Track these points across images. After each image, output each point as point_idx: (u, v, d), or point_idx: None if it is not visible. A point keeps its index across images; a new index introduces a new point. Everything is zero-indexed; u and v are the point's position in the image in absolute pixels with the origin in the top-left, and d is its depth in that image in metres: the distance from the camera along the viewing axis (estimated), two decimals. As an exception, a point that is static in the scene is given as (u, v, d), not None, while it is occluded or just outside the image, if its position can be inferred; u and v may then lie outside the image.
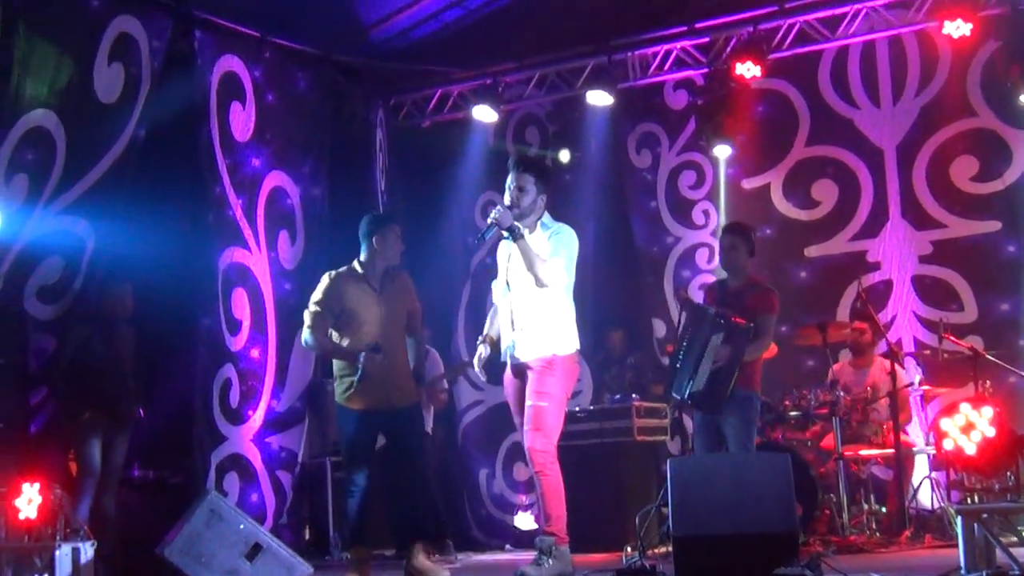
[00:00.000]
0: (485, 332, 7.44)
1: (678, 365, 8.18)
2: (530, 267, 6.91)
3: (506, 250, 7.26)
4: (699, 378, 7.93)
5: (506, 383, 7.25)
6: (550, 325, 7.00)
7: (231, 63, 10.85)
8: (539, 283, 6.93)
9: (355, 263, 8.02)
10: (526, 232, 7.02)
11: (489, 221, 6.96)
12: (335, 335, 7.89)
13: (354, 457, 7.89)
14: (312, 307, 7.88)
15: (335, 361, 8.02)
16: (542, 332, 7.00)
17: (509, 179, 7.13)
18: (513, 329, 7.11)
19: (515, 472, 12.52)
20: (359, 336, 7.81)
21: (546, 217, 7.17)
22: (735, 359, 7.88)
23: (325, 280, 7.97)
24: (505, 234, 6.94)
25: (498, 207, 6.97)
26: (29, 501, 7.93)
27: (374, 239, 7.96)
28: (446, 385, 10.83)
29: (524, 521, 11.84)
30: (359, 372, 7.66)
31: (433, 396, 10.32)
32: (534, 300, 7.02)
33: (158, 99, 9.93)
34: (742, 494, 6.04)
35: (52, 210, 9.23)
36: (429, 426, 10.31)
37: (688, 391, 8.03)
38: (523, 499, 12.03)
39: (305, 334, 7.90)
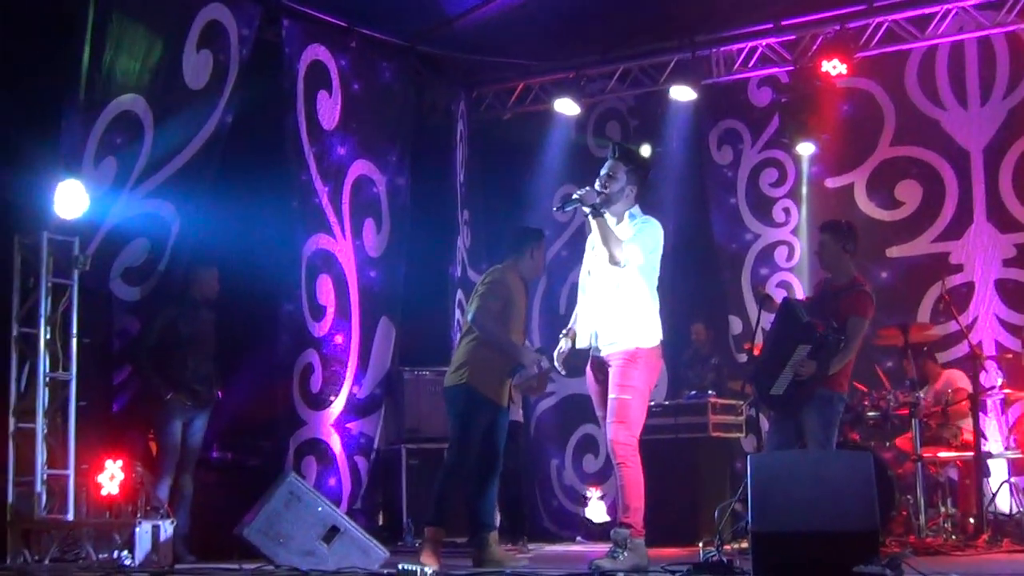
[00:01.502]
0: (569, 326, 7.42)
1: (762, 363, 8.11)
2: (604, 242, 6.89)
3: (592, 241, 7.26)
4: (780, 383, 7.84)
5: (588, 375, 7.24)
6: (633, 317, 6.98)
7: (318, 52, 10.98)
8: (612, 260, 6.89)
9: (511, 266, 8.15)
10: (613, 220, 7.02)
11: (574, 196, 6.96)
12: None
13: (466, 440, 7.92)
14: (494, 294, 7.95)
15: (481, 349, 7.97)
16: (625, 324, 6.98)
17: (605, 166, 7.17)
18: (596, 320, 7.11)
19: (585, 464, 12.56)
20: (509, 332, 7.94)
21: (635, 209, 7.15)
22: (820, 372, 7.78)
23: (503, 274, 8.08)
24: (586, 210, 6.92)
25: (587, 187, 6.99)
26: (111, 478, 8.09)
27: (532, 252, 8.17)
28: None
29: (596, 513, 11.84)
30: (519, 369, 7.84)
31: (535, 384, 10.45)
32: (618, 291, 7.00)
33: (245, 86, 10.07)
34: (823, 492, 5.97)
35: (139, 193, 9.37)
36: (519, 415, 10.40)
37: (768, 393, 7.97)
38: (594, 490, 12.04)
39: (478, 314, 7.91)
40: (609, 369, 7.00)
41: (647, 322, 7.02)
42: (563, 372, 7.57)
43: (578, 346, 7.24)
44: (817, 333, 7.74)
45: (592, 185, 7.04)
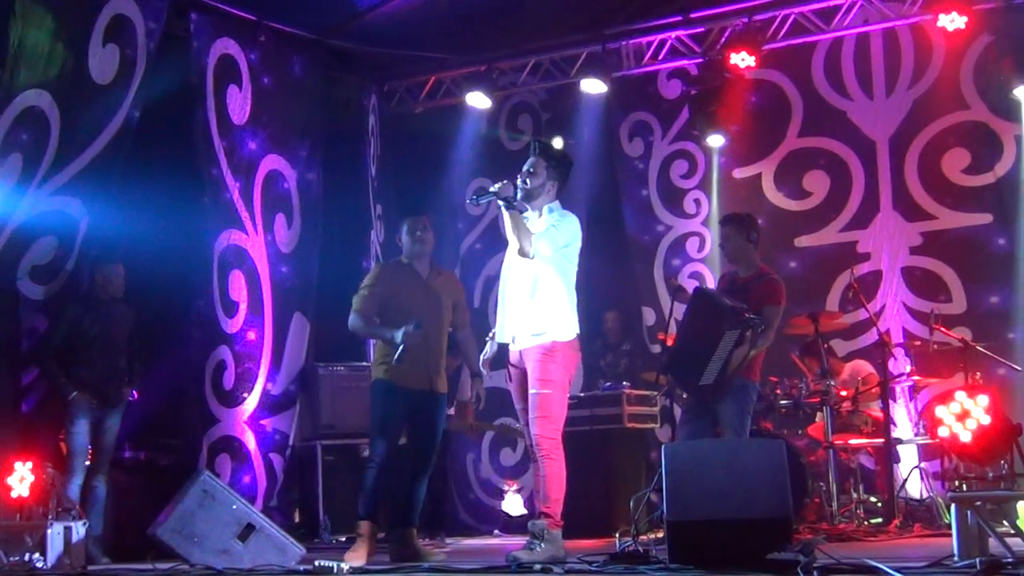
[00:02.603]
0: (496, 328, 7.40)
1: (684, 355, 8.15)
2: (515, 233, 6.93)
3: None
4: (709, 372, 7.86)
5: (507, 369, 7.25)
6: (550, 311, 7.00)
7: (227, 46, 10.87)
8: (521, 252, 6.95)
9: (402, 256, 8.26)
10: (534, 215, 7.07)
11: (491, 189, 6.99)
12: (376, 320, 8.09)
13: (384, 431, 7.97)
14: (361, 291, 8.11)
15: (379, 343, 8.19)
16: (542, 318, 7.00)
17: (527, 162, 7.22)
18: (513, 314, 7.12)
19: (502, 457, 12.57)
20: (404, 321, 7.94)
21: (555, 204, 7.19)
22: (746, 355, 7.87)
23: (375, 267, 8.39)
24: (500, 203, 6.95)
25: (504, 180, 7.01)
26: (21, 479, 7.94)
27: (400, 237, 8.26)
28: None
29: (512, 506, 11.87)
30: (400, 349, 7.77)
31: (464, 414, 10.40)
32: (534, 285, 7.02)
33: (154, 81, 9.91)
34: (736, 480, 6.05)
35: (46, 190, 9.19)
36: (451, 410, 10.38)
37: (697, 384, 7.99)
38: (511, 484, 12.06)
39: (352, 317, 8.09)
40: (527, 363, 7.03)
41: (563, 316, 7.06)
42: (487, 374, 7.61)
43: (499, 340, 7.26)
44: (744, 317, 7.81)
45: (507, 179, 7.07)
